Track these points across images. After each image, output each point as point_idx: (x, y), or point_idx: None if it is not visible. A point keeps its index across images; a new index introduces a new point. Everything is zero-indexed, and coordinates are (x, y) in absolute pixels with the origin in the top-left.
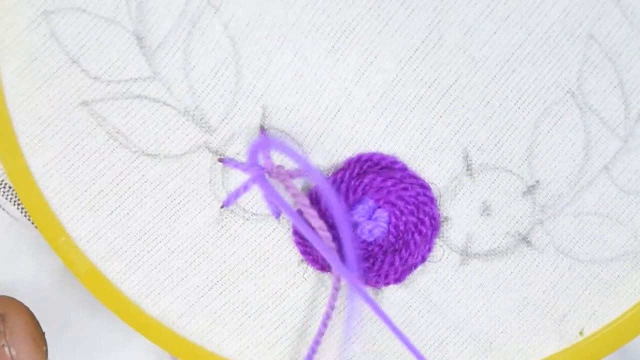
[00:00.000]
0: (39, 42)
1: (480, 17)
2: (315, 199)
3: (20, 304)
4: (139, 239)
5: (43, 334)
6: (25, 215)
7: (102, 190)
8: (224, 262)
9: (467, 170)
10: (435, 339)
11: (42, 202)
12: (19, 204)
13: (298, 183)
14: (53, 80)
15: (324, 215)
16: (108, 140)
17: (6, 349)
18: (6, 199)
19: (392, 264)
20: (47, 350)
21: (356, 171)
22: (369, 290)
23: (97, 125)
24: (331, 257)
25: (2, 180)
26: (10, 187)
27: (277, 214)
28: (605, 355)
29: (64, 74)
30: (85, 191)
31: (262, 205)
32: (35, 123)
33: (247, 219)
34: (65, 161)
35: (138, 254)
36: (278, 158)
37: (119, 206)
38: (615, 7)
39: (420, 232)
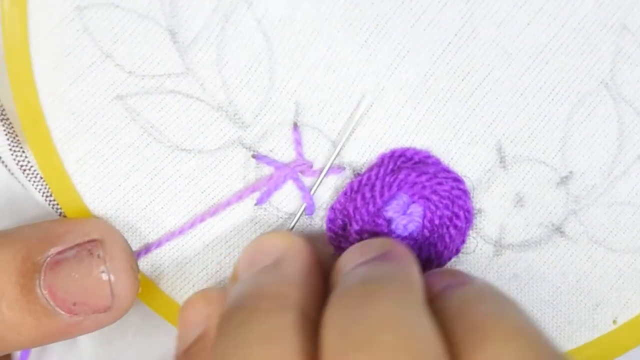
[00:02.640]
0: (72, 38)
1: (514, 10)
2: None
3: (117, 231)
4: (174, 233)
5: (136, 261)
6: (56, 211)
7: (136, 185)
8: None
9: (501, 162)
10: None
11: (76, 197)
12: (50, 200)
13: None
14: (87, 75)
15: (359, 210)
16: (142, 134)
17: (105, 275)
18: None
19: (427, 258)
20: (139, 279)
21: (390, 167)
22: None
23: (131, 120)
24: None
25: (35, 172)
26: (41, 179)
27: (311, 212)
28: (639, 344)
29: (97, 68)
30: (119, 185)
31: (295, 205)
32: (69, 118)
33: (280, 217)
34: (99, 156)
35: (172, 247)
36: (311, 155)
37: (153, 201)
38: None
39: (455, 226)
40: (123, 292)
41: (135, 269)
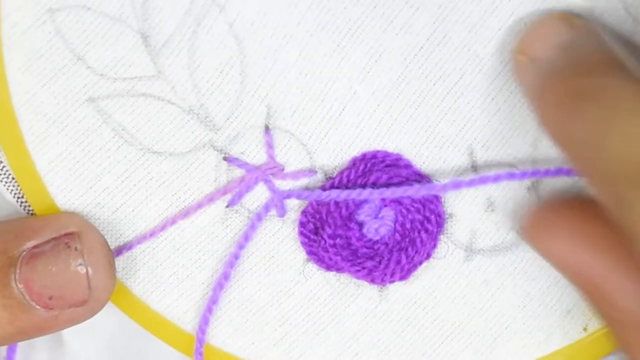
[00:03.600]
0: (44, 40)
1: (485, 15)
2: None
3: (93, 226)
4: (144, 236)
5: (112, 254)
6: (28, 212)
7: (107, 188)
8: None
9: (472, 167)
10: (439, 335)
11: (48, 199)
12: (21, 201)
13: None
14: (59, 77)
15: (332, 213)
16: (114, 137)
17: (82, 268)
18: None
19: (398, 262)
20: (115, 274)
21: (362, 169)
22: (374, 288)
23: (102, 122)
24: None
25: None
26: (13, 180)
27: (282, 214)
28: (609, 352)
29: (69, 71)
30: (91, 188)
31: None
32: (40, 120)
33: (252, 219)
34: (71, 158)
35: (143, 250)
36: (282, 158)
37: (124, 203)
38: (618, 3)
39: (426, 230)
40: (100, 286)
41: (113, 263)
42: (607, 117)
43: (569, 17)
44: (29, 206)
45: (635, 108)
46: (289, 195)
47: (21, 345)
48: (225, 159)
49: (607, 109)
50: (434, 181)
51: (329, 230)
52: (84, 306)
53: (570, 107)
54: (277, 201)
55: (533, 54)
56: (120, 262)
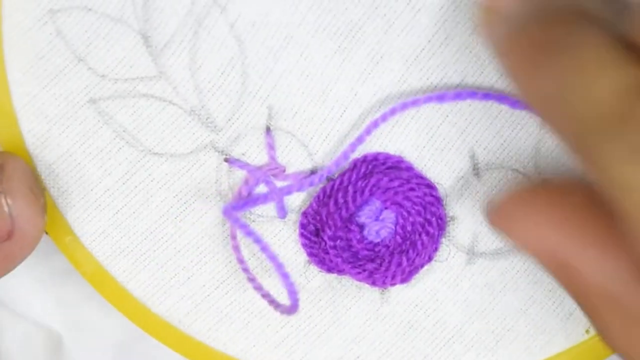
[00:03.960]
0: (45, 41)
1: None
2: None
3: (19, 156)
4: (145, 238)
5: (43, 188)
6: None
7: (108, 189)
8: (230, 262)
9: (474, 169)
10: (441, 338)
11: (48, 201)
12: None
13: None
14: (60, 78)
15: (332, 215)
16: (115, 138)
17: (2, 196)
18: None
19: (399, 264)
20: (44, 204)
21: (362, 171)
22: (376, 290)
23: (103, 124)
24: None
25: None
26: None
27: (283, 215)
28: (611, 354)
29: (70, 72)
30: (92, 190)
31: (268, 208)
32: (42, 122)
33: (253, 221)
34: (72, 160)
35: (144, 253)
36: (284, 159)
37: (126, 205)
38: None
39: (427, 233)
40: (23, 215)
41: (37, 193)
42: (573, 67)
43: None
44: None
45: (601, 57)
46: (288, 191)
47: (18, 351)
48: (226, 160)
49: (574, 59)
50: (436, 184)
51: (329, 232)
52: (12, 240)
53: (537, 60)
54: (278, 202)
55: (499, 6)
56: (121, 264)
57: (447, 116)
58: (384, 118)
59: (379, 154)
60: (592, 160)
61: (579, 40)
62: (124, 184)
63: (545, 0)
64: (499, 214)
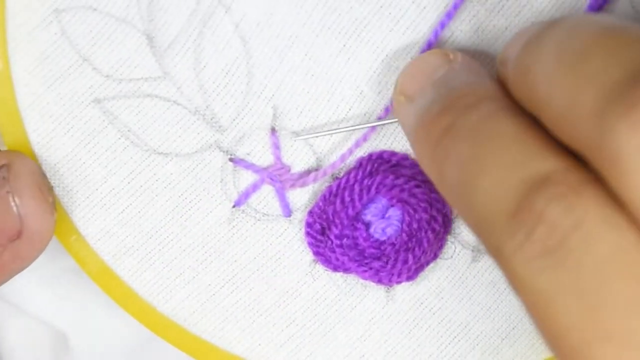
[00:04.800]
0: (50, 41)
1: (491, 14)
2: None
3: (26, 155)
4: (151, 237)
5: (51, 187)
6: None
7: (113, 189)
8: (235, 261)
9: None
10: (446, 336)
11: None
12: None
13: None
14: (64, 78)
15: (339, 213)
16: (120, 138)
17: (10, 196)
18: None
19: (405, 262)
20: (53, 202)
21: (368, 169)
22: (381, 289)
23: (108, 124)
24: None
25: None
26: None
27: (288, 214)
28: None
29: (75, 72)
30: (97, 189)
31: (273, 206)
32: (47, 121)
33: (258, 219)
34: (77, 159)
35: (149, 252)
36: (289, 159)
37: (131, 204)
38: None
39: (433, 230)
40: (31, 213)
41: (45, 191)
42: (473, 156)
43: (447, 52)
44: None
45: (501, 144)
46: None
47: (24, 350)
48: (231, 159)
49: (473, 147)
50: None
51: (335, 231)
52: (22, 239)
53: (440, 147)
54: (283, 202)
55: (410, 92)
56: (126, 263)
57: None
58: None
59: (384, 152)
60: (490, 251)
61: (478, 126)
62: (129, 183)
63: (450, 82)
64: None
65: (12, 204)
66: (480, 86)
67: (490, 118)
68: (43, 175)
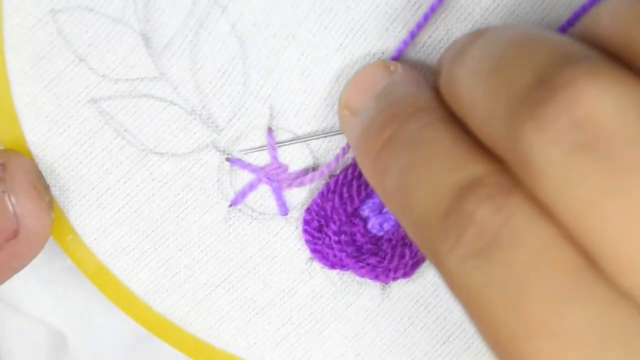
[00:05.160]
0: (46, 41)
1: (486, 13)
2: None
3: (22, 154)
4: (147, 237)
5: (47, 186)
6: None
7: (109, 188)
8: (232, 260)
9: None
10: (442, 334)
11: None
12: None
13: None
14: (61, 78)
15: (337, 210)
16: (116, 138)
17: (6, 195)
18: None
19: (402, 257)
20: (50, 201)
21: None
22: (377, 286)
23: (104, 124)
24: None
25: None
26: None
27: (285, 213)
28: None
29: (71, 72)
30: (93, 189)
31: (269, 205)
32: (42, 121)
33: (254, 218)
34: (73, 159)
35: (145, 251)
36: (286, 158)
37: (127, 204)
38: None
39: None
40: (27, 212)
41: (41, 190)
42: (410, 164)
43: (387, 64)
44: None
45: (435, 152)
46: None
47: (23, 350)
48: (227, 159)
49: (410, 156)
50: None
51: (334, 227)
52: (19, 238)
53: (380, 158)
54: (279, 201)
55: (353, 106)
56: (122, 262)
57: None
58: None
59: None
60: (427, 256)
61: (413, 136)
62: (125, 183)
63: (390, 94)
64: None
65: (8, 203)
66: (420, 97)
67: (427, 128)
68: (39, 175)
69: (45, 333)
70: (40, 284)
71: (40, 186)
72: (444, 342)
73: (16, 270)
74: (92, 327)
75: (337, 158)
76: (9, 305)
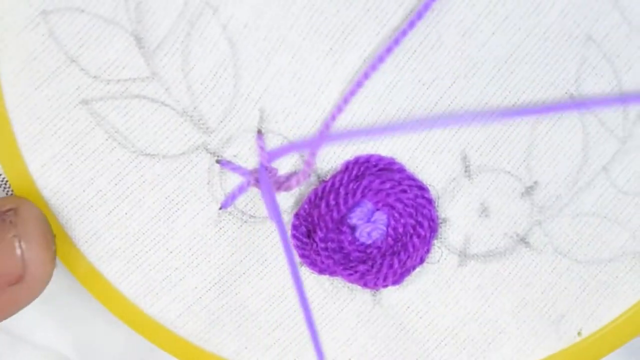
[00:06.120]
0: (38, 42)
1: (479, 18)
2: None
3: (32, 202)
4: (137, 239)
5: (54, 235)
6: None
7: (100, 190)
8: (222, 263)
9: (466, 171)
10: (433, 340)
11: (41, 203)
12: None
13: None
14: (52, 79)
15: (324, 217)
16: (107, 139)
17: (16, 241)
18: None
19: (390, 266)
20: (55, 251)
21: (354, 173)
22: (368, 292)
23: (96, 125)
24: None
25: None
26: (6, 182)
27: (275, 216)
28: (604, 355)
29: (63, 73)
30: (84, 191)
31: (260, 208)
32: (34, 123)
33: (245, 222)
34: (64, 161)
35: (136, 254)
36: (275, 162)
37: (117, 206)
38: (613, 9)
39: (418, 235)
40: (35, 259)
41: (50, 239)
42: None
43: None
44: None
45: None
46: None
47: None
48: (218, 161)
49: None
50: (428, 186)
51: (320, 234)
52: (22, 284)
53: None
54: (270, 204)
55: None
56: (113, 265)
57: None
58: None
59: (370, 155)
60: None
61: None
62: (116, 185)
63: None
64: None
65: (18, 248)
66: None
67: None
68: (48, 223)
69: (48, 357)
70: (41, 306)
71: (50, 235)
72: (435, 348)
73: (11, 314)
74: (95, 345)
75: (313, 154)
76: (8, 333)
